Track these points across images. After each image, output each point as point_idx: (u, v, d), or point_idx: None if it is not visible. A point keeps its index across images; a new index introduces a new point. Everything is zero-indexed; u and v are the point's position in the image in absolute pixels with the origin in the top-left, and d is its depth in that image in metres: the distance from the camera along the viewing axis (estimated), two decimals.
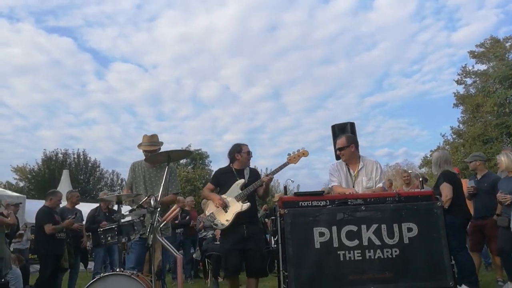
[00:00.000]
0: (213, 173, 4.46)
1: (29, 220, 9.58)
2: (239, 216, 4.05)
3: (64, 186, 14.92)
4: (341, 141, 4.15)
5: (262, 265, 4.13)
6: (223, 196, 4.20)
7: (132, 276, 3.22)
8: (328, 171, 4.27)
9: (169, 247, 3.42)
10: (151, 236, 3.26)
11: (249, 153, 4.39)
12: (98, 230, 3.54)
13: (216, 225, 4.17)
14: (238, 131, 48.94)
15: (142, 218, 3.46)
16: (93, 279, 3.42)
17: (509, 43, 26.09)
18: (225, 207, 4.10)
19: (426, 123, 50.69)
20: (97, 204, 7.58)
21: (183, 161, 31.33)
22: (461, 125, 26.87)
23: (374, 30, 46.27)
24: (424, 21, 42.80)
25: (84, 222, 6.94)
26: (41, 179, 27.64)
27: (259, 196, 4.43)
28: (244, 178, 4.28)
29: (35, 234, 6.85)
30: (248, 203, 4.08)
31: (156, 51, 49.25)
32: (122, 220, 3.36)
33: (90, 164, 31.30)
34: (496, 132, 22.43)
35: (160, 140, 4.49)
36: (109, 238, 3.36)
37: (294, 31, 46.78)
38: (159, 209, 3.39)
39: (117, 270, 3.40)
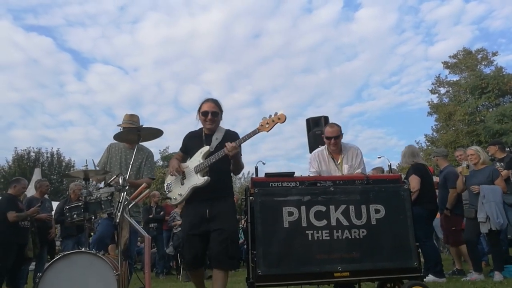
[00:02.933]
0: (182, 141, 3.74)
1: None
2: (197, 191, 3.30)
3: None
4: (335, 129, 4.02)
5: (229, 251, 3.21)
6: (185, 164, 3.48)
7: (97, 254, 3.15)
8: (308, 160, 4.26)
9: (137, 227, 3.37)
10: (119, 214, 3.21)
11: (205, 114, 3.48)
12: (64, 208, 3.44)
13: (169, 198, 3.56)
14: None
15: (109, 197, 3.39)
16: None
17: (481, 55, 27.09)
18: (182, 178, 3.40)
19: (404, 133, 51.82)
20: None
21: (159, 162, 30.98)
22: (434, 133, 27.62)
23: (355, 41, 47.14)
24: (404, 34, 44.00)
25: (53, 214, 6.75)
26: (11, 177, 26.71)
27: (232, 170, 3.52)
28: (211, 143, 3.47)
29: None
30: (207, 177, 3.26)
31: (138, 53, 48.79)
32: (89, 197, 3.29)
33: (64, 164, 30.49)
34: (467, 139, 23.11)
35: (141, 124, 4.46)
36: (74, 216, 3.27)
37: (277, 39, 47.21)
38: (127, 187, 3.35)
39: (82, 249, 3.31)
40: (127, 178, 3.37)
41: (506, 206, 5.30)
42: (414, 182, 5.17)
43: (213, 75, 49.29)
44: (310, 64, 50.35)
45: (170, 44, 47.87)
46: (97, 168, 3.95)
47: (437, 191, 5.96)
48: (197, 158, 3.39)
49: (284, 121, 3.19)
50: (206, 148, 3.40)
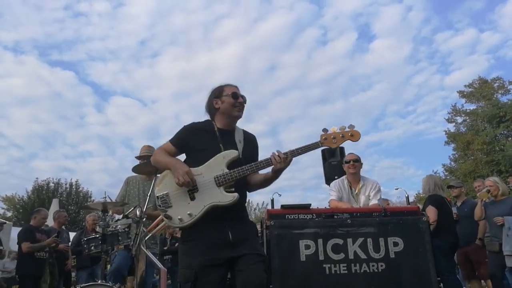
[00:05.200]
0: (177, 133, 2.55)
1: (13, 248, 9.35)
2: (215, 210, 2.29)
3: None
4: (354, 155, 4.31)
5: (266, 278, 2.29)
6: (195, 170, 2.36)
7: (114, 286, 3.16)
8: (329, 187, 4.37)
9: (153, 259, 3.38)
10: (136, 246, 3.23)
11: (235, 96, 2.51)
12: (82, 239, 3.49)
13: (169, 218, 2.29)
14: None
15: (127, 229, 3.43)
16: None
17: (497, 84, 26.91)
18: (191, 189, 2.32)
19: (421, 162, 51.21)
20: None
21: None
22: (452, 163, 27.11)
23: (370, 72, 47.63)
24: (419, 65, 44.35)
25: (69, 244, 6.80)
26: (30, 208, 27.10)
27: (252, 184, 2.57)
28: (235, 145, 2.49)
29: (18, 255, 6.67)
30: (236, 194, 2.31)
31: (156, 86, 50.15)
32: (107, 229, 3.33)
33: (81, 195, 30.83)
34: (486, 169, 22.62)
35: None
36: (92, 248, 3.32)
37: (293, 72, 48.08)
38: (144, 219, 3.39)
39: (98, 281, 3.33)
40: (144, 210, 3.42)
41: None
42: (431, 213, 5.04)
43: None
44: (326, 94, 50.90)
45: (188, 77, 49.18)
46: (116, 201, 4.01)
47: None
48: (219, 165, 2.36)
49: (358, 139, 2.45)
50: (234, 154, 2.40)
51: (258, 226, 3.57)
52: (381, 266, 3.29)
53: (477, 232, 5.63)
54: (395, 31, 44.14)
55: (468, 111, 27.28)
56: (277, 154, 2.34)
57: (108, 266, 4.92)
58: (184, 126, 2.56)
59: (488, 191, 5.24)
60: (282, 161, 2.34)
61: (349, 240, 3.34)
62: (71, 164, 45.90)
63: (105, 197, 3.44)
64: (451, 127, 27.83)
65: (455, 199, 6.10)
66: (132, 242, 3.30)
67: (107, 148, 50.70)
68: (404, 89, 46.09)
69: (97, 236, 3.32)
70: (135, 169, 3.70)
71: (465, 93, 27.68)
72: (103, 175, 47.78)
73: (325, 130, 2.42)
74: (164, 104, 50.07)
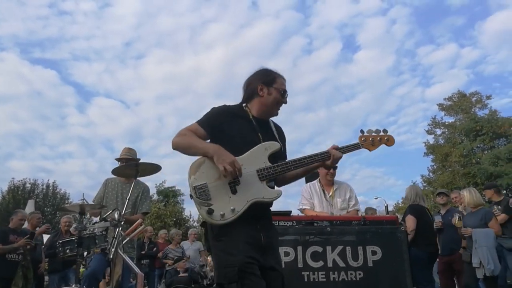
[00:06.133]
0: (207, 115, 2.28)
1: None
2: (254, 207, 2.07)
3: None
4: None
5: None
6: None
7: None
8: (300, 193, 4.32)
9: (130, 263, 3.32)
10: (113, 250, 3.17)
11: (284, 94, 2.32)
12: (57, 242, 3.40)
13: (210, 213, 2.01)
14: None
15: (104, 232, 3.36)
16: None
17: (475, 98, 27.68)
18: (232, 182, 2.07)
19: (401, 173, 52.12)
20: None
21: (155, 197, 30.69)
22: (431, 174, 27.67)
23: (353, 82, 48.32)
24: (401, 76, 45.21)
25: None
26: (5, 209, 26.33)
27: (282, 179, 2.33)
28: (274, 136, 2.32)
29: None
30: (279, 190, 2.20)
31: (140, 88, 49.52)
32: (84, 232, 3.26)
33: (58, 196, 30.13)
34: (463, 181, 23.16)
35: (138, 158, 4.51)
36: (67, 251, 3.22)
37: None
38: (122, 222, 3.33)
39: (72, 285, 3.24)
40: (123, 213, 3.37)
41: (505, 251, 5.25)
42: (410, 223, 5.12)
43: None
44: (310, 102, 51.27)
45: (173, 80, 48.78)
46: (93, 203, 3.93)
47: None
48: (260, 157, 2.15)
49: (393, 145, 2.41)
50: (276, 146, 2.20)
51: None
52: (359, 274, 3.32)
53: (461, 241, 5.72)
54: (379, 42, 44.99)
55: (447, 123, 27.96)
56: (335, 153, 2.21)
57: (82, 270, 4.81)
58: (215, 107, 2.30)
59: (459, 218, 5.30)
60: (337, 161, 2.25)
61: (328, 248, 3.36)
62: (49, 165, 44.95)
63: (83, 199, 3.36)
64: (431, 138, 28.47)
65: (441, 206, 6.18)
66: (109, 246, 3.23)
67: (87, 150, 49.79)
68: (386, 100, 46.91)
69: (73, 238, 3.24)
70: (114, 172, 3.64)
71: (444, 106, 28.37)
72: (82, 177, 46.85)
73: (362, 131, 2.34)
74: (147, 106, 49.50)
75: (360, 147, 2.33)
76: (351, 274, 3.31)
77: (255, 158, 2.14)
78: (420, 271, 4.45)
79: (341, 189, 4.15)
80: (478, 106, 27.31)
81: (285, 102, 2.33)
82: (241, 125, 2.23)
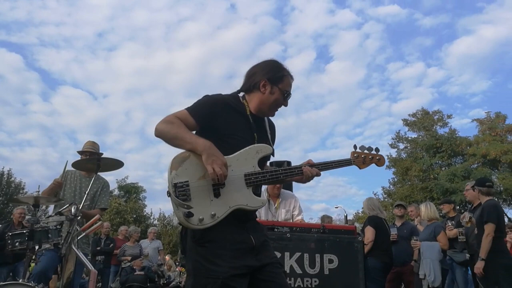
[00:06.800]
0: (199, 103, 1.99)
1: None
2: (236, 213, 1.89)
3: None
4: None
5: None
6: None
7: (37, 287, 2.95)
8: None
9: (83, 259, 3.22)
10: (66, 245, 3.07)
11: (286, 97, 2.12)
12: (6, 235, 3.24)
13: (188, 216, 1.78)
14: None
15: (59, 226, 3.24)
16: None
17: (437, 117, 28.81)
18: (220, 184, 1.86)
19: (364, 183, 53.53)
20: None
21: (116, 192, 29.95)
22: (391, 186, 28.53)
23: (324, 92, 49.20)
24: (370, 90, 46.47)
25: None
26: None
27: None
28: (268, 138, 2.14)
29: None
30: (264, 199, 2.11)
31: (110, 80, 48.29)
32: (36, 225, 3.12)
33: (13, 185, 28.77)
34: (421, 195, 24.02)
35: (101, 152, 4.38)
36: (17, 244, 3.08)
37: None
38: (79, 218, 3.23)
39: (20, 280, 3.10)
40: (80, 207, 3.26)
41: (455, 264, 5.49)
42: (368, 234, 5.27)
43: None
44: (280, 109, 51.55)
45: (144, 75, 47.92)
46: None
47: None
48: (250, 160, 1.96)
49: (383, 166, 2.37)
50: (268, 150, 2.02)
51: None
52: (315, 282, 3.37)
53: (414, 253, 5.93)
54: (352, 55, 46.12)
55: (409, 139, 28.93)
56: (311, 169, 2.04)
57: (32, 265, 4.61)
58: (208, 95, 2.02)
59: (416, 240, 5.52)
60: (312, 177, 2.08)
61: (287, 254, 3.39)
62: (6, 152, 42.80)
63: (38, 191, 3.23)
64: (393, 152, 29.35)
65: (397, 218, 6.37)
66: (62, 241, 3.11)
67: (49, 139, 48.00)
68: (354, 112, 48.08)
69: (24, 231, 3.10)
70: (75, 165, 3.53)
71: (408, 121, 29.35)
72: (40, 167, 45.06)
73: (355, 147, 2.23)
74: (115, 99, 48.42)
75: (351, 164, 2.20)
76: (307, 281, 3.36)
77: (245, 160, 1.93)
78: (374, 281, 4.57)
79: (286, 200, 4.26)
80: (439, 124, 28.43)
81: (286, 105, 2.13)
82: (236, 121, 1.99)
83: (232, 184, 1.87)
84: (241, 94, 2.10)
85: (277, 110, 2.13)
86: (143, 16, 47.08)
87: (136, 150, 49.70)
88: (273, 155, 2.07)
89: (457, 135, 26.57)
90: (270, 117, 2.19)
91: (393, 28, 45.02)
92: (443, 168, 25.91)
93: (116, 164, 3.42)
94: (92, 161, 3.42)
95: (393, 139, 29.77)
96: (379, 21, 45.05)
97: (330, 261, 3.46)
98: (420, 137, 27.96)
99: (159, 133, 1.91)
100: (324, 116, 48.05)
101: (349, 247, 3.55)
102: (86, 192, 3.35)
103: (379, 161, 2.27)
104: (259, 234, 1.96)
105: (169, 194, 1.82)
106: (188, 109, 1.95)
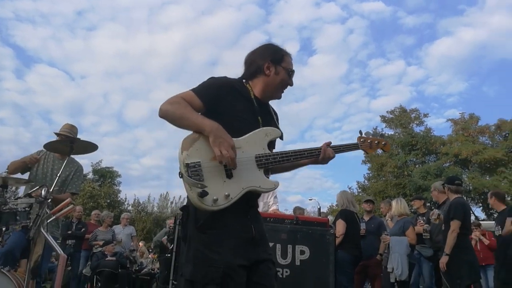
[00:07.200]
0: (204, 85, 1.98)
1: None
2: (247, 196, 1.86)
3: None
4: None
5: None
6: (235, 140, 1.89)
7: (1, 270, 2.89)
8: None
9: (52, 244, 3.15)
10: (35, 228, 3.00)
11: (291, 75, 2.12)
12: None
13: (202, 196, 1.72)
14: (159, 157, 47.63)
15: (28, 208, 3.16)
16: None
17: (414, 115, 29.44)
18: (232, 167, 1.82)
19: (339, 177, 54.26)
20: None
21: (90, 175, 29.43)
22: (366, 181, 29.10)
23: (305, 85, 49.33)
24: (351, 85, 46.74)
25: None
26: None
27: (274, 168, 2.09)
28: (273, 121, 2.14)
29: None
30: (278, 182, 1.97)
31: (88, 60, 46.92)
32: (3, 207, 3.04)
33: None
34: (394, 191, 24.62)
35: (79, 137, 4.27)
36: None
37: (233, 70, 47.11)
38: (49, 200, 3.16)
39: None
40: (51, 190, 3.19)
41: (423, 259, 5.67)
42: (340, 227, 5.37)
43: (164, 95, 46.91)
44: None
45: (125, 57, 46.81)
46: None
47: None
48: (260, 142, 1.95)
49: (388, 151, 2.44)
50: (277, 133, 2.02)
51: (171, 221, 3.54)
52: (286, 272, 3.42)
53: (380, 248, 6.09)
54: (335, 49, 46.24)
55: (386, 135, 29.43)
56: (329, 151, 2.06)
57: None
58: (214, 77, 2.02)
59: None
60: (329, 159, 2.10)
61: None
62: None
63: (7, 171, 3.13)
64: None
65: (365, 213, 6.52)
66: (31, 224, 3.04)
67: (22, 118, 46.37)
68: (334, 106, 48.45)
69: None
70: (47, 146, 3.44)
71: (386, 118, 29.89)
72: (11, 146, 43.56)
73: (361, 132, 2.25)
74: (93, 81, 47.07)
75: (358, 148, 2.23)
76: (279, 271, 3.40)
77: (254, 142, 1.92)
78: (343, 273, 4.67)
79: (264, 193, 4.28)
80: (416, 122, 29.07)
81: (291, 84, 2.11)
82: (242, 104, 1.98)
83: (244, 166, 1.85)
84: (244, 80, 2.09)
85: (283, 91, 2.12)
86: None
87: (113, 134, 48.79)
88: (282, 139, 2.06)
89: (432, 134, 27.30)
90: (278, 99, 2.17)
91: (376, 24, 45.38)
92: (417, 166, 26.61)
93: (90, 147, 3.35)
94: (65, 143, 3.34)
95: (359, 134, 30.30)
96: (364, 17, 45.35)
97: (302, 252, 3.51)
98: (397, 134, 28.55)
99: (164, 114, 1.87)
100: (305, 109, 48.32)
101: (321, 239, 3.61)
102: (58, 175, 3.28)
103: (385, 146, 2.28)
104: (259, 225, 1.95)
105: (181, 175, 1.77)
106: (194, 90, 1.93)
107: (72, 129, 4.30)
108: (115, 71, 47.67)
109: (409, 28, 42.77)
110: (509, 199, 19.66)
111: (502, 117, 25.92)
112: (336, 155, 2.12)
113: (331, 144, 2.11)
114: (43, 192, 3.10)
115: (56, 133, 4.28)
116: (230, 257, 1.73)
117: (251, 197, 1.89)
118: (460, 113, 28.08)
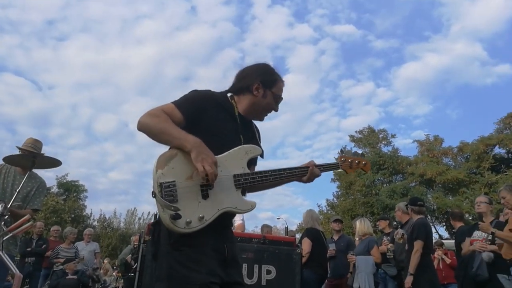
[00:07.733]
0: (187, 97, 1.91)
1: None
2: (222, 216, 1.80)
3: None
4: None
5: None
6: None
7: None
8: None
9: (8, 262, 3.01)
10: None
11: (278, 101, 2.09)
12: None
13: (175, 219, 1.66)
14: (128, 171, 46.71)
15: None
16: None
17: (382, 135, 30.35)
18: (205, 184, 1.76)
19: (309, 194, 54.84)
20: None
21: (54, 189, 28.38)
22: (335, 199, 29.50)
23: None
24: (322, 104, 47.85)
25: None
26: None
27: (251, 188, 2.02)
28: (256, 140, 2.08)
29: None
30: (255, 202, 1.91)
31: (57, 71, 45.84)
32: None
33: None
34: (362, 209, 25.05)
35: (43, 152, 4.11)
36: None
37: (206, 86, 47.35)
38: (6, 217, 3.03)
39: None
40: (9, 206, 3.06)
41: (388, 277, 5.76)
42: (305, 245, 5.39)
43: (135, 108, 47.83)
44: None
45: (95, 69, 46.06)
46: None
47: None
48: (239, 161, 1.88)
49: (368, 171, 2.38)
50: (258, 151, 1.95)
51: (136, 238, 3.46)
52: None
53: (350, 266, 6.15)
54: (307, 69, 47.33)
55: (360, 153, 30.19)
56: (317, 169, 2.02)
57: None
58: (197, 90, 1.94)
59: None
60: (313, 179, 2.05)
61: None
62: None
63: None
64: None
65: (335, 232, 6.57)
66: None
67: None
68: (305, 124, 49.26)
69: None
70: (7, 160, 3.31)
71: (355, 138, 30.65)
72: None
73: (342, 151, 2.25)
74: (61, 92, 45.97)
75: (339, 168, 2.19)
76: None
77: (234, 161, 1.85)
78: None
79: None
80: (383, 142, 29.96)
81: (276, 110, 2.08)
82: (224, 119, 1.91)
83: (222, 186, 1.78)
84: (229, 94, 2.03)
85: (267, 114, 2.09)
86: (99, 8, 45.50)
87: (80, 147, 47.54)
88: (262, 157, 2.03)
89: (399, 154, 28.16)
90: (259, 121, 2.13)
91: (347, 46, 46.95)
92: (385, 185, 27.27)
93: (53, 162, 3.26)
94: (27, 157, 3.22)
95: (339, 153, 30.88)
96: (335, 38, 46.85)
97: (268, 272, 3.51)
98: (365, 153, 29.22)
99: (143, 127, 1.79)
100: (276, 127, 48.77)
101: (287, 259, 3.62)
102: (17, 190, 3.15)
103: (365, 166, 2.24)
104: (232, 245, 1.90)
105: (154, 194, 1.70)
106: (175, 102, 1.85)
107: (36, 143, 4.14)
108: (85, 82, 46.85)
109: (378, 51, 44.53)
110: (470, 218, 20.39)
111: (464, 139, 27.18)
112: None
113: (314, 163, 2.07)
114: (0, 208, 2.98)
115: (18, 147, 4.12)
116: (205, 276, 1.68)
117: (226, 217, 1.83)
118: (425, 135, 29.22)
